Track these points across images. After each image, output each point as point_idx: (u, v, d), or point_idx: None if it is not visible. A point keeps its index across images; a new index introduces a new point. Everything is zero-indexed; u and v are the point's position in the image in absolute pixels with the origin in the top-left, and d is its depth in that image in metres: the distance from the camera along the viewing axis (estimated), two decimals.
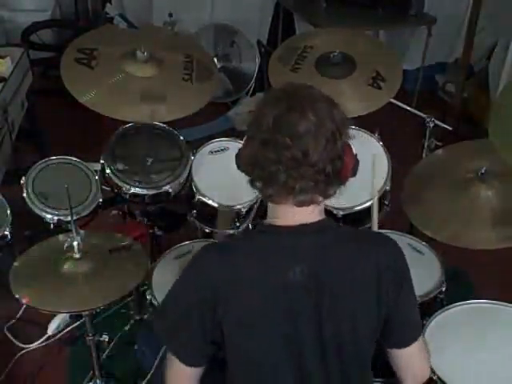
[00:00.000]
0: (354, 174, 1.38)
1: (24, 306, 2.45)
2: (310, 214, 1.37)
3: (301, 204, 1.34)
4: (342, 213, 2.18)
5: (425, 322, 1.82)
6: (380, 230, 2.20)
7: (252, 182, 1.38)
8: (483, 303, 1.91)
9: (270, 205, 1.40)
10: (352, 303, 1.38)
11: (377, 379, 1.85)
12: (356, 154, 1.38)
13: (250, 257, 1.36)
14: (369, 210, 2.19)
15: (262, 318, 1.36)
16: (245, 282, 1.34)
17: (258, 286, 1.34)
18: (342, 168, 1.33)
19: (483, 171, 2.00)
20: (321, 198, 1.36)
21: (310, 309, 1.35)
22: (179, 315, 1.40)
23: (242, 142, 1.46)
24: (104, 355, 2.30)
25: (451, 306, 1.89)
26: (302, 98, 1.31)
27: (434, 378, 1.67)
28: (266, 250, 1.37)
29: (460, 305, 1.89)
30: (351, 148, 1.36)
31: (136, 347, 2.23)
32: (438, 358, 1.71)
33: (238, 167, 1.41)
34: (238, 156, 1.40)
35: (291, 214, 1.36)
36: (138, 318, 2.44)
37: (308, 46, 2.40)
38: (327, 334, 1.37)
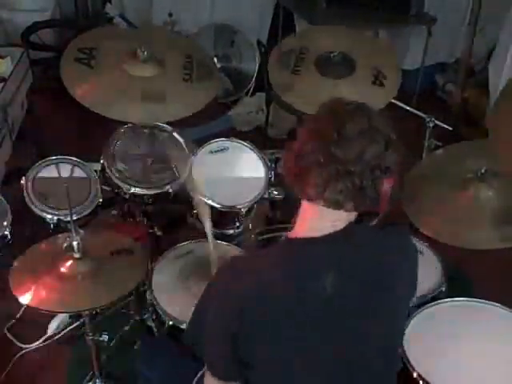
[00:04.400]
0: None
1: (24, 306, 2.45)
2: (336, 223, 1.31)
3: (328, 204, 1.27)
4: None
5: None
6: None
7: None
8: (483, 303, 1.91)
9: (298, 219, 1.36)
10: (380, 314, 1.35)
11: None
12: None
13: (275, 271, 1.31)
14: None
15: (288, 333, 1.31)
16: (270, 297, 1.30)
17: (284, 300, 1.30)
18: (379, 188, 1.27)
19: (483, 171, 2.00)
20: (351, 206, 1.27)
21: (334, 322, 1.31)
22: (208, 329, 1.36)
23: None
24: (104, 355, 2.30)
25: (441, 301, 1.92)
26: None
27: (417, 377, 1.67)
28: (291, 263, 1.32)
29: (450, 301, 1.92)
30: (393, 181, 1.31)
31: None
32: (429, 357, 1.72)
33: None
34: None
35: (316, 224, 1.31)
36: (137, 318, 2.43)
37: (304, 47, 2.38)
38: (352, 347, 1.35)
